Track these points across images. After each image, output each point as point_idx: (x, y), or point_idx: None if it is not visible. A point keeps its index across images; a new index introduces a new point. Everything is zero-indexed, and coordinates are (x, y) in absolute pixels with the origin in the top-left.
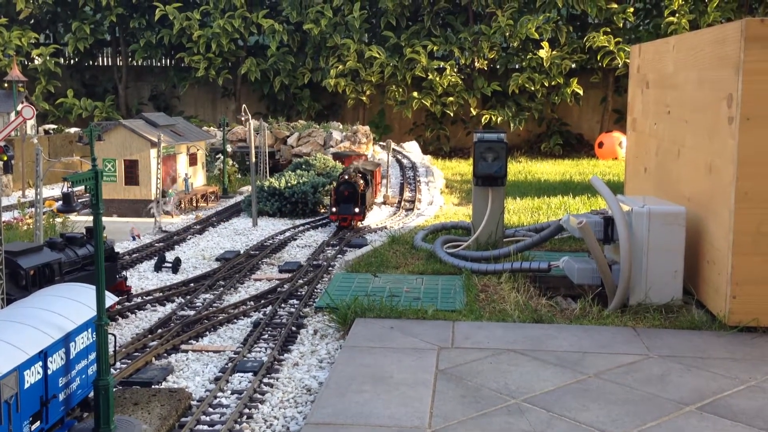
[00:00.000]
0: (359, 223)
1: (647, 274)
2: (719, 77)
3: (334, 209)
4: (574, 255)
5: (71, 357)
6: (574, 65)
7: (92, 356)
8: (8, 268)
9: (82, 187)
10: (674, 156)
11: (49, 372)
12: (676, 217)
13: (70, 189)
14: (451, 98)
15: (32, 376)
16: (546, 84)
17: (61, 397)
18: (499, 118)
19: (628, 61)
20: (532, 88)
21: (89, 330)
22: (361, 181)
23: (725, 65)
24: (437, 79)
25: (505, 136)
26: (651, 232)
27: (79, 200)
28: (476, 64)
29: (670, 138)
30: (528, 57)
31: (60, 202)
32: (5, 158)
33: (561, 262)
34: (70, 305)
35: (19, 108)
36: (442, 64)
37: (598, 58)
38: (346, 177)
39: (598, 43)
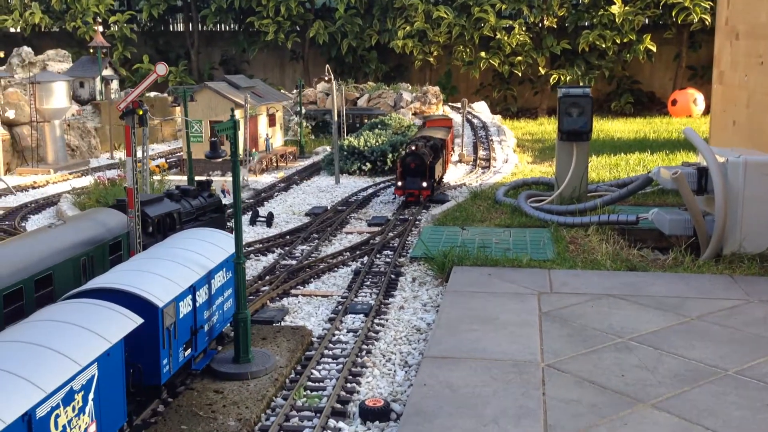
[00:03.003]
0: (427, 198)
1: (742, 223)
2: None
3: (399, 183)
4: (662, 209)
5: (212, 293)
6: (646, 21)
7: (227, 293)
8: None
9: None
10: None
11: (197, 305)
12: None
13: (215, 138)
14: (519, 57)
15: (185, 308)
16: (617, 41)
17: (206, 328)
18: (568, 78)
19: (704, 16)
20: (603, 46)
21: (224, 269)
22: (430, 152)
23: None
24: (505, 38)
25: (590, 91)
26: (747, 182)
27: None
28: (545, 22)
29: (763, 89)
30: (599, 13)
31: (207, 150)
32: (141, 112)
33: (650, 214)
34: (206, 247)
35: (100, 71)
36: (510, 23)
37: (673, 14)
38: (413, 148)
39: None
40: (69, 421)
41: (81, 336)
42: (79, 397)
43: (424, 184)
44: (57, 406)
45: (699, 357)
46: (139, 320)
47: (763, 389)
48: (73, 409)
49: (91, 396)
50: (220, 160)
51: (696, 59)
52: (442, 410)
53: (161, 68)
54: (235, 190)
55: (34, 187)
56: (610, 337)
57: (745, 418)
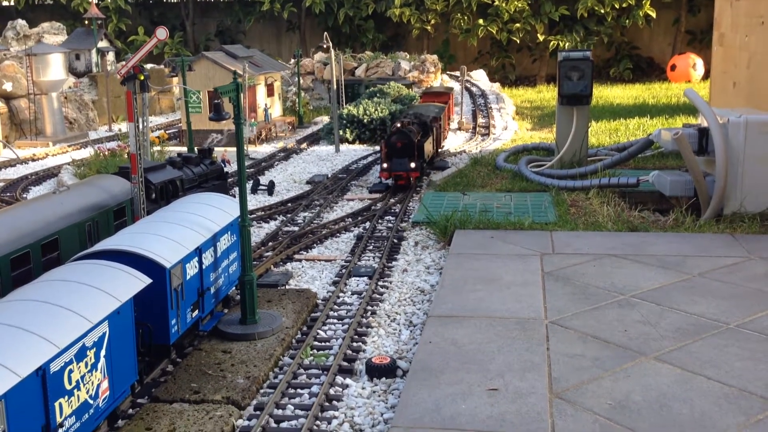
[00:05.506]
0: (416, 179)
1: (743, 183)
2: None
3: (384, 165)
4: (662, 171)
5: (218, 255)
6: None
7: (232, 256)
8: None
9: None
10: None
11: (203, 267)
12: None
13: (218, 101)
14: (517, 24)
15: (192, 269)
16: (616, 6)
17: (212, 290)
18: (567, 44)
19: None
20: (602, 11)
21: (229, 233)
22: (418, 129)
23: None
24: (503, 5)
25: (590, 54)
26: (748, 142)
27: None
28: None
29: (764, 49)
30: None
31: (211, 113)
32: (142, 77)
33: (651, 176)
34: (211, 210)
35: (95, 43)
36: None
37: None
38: (399, 125)
39: None
40: (82, 377)
41: (91, 295)
42: (91, 353)
43: (413, 165)
44: (70, 362)
45: (701, 312)
46: (148, 280)
47: (764, 341)
48: (86, 365)
49: (102, 353)
50: (224, 122)
51: (695, 23)
52: (448, 366)
53: (161, 32)
54: (239, 153)
55: (33, 160)
56: (613, 294)
57: (747, 369)
